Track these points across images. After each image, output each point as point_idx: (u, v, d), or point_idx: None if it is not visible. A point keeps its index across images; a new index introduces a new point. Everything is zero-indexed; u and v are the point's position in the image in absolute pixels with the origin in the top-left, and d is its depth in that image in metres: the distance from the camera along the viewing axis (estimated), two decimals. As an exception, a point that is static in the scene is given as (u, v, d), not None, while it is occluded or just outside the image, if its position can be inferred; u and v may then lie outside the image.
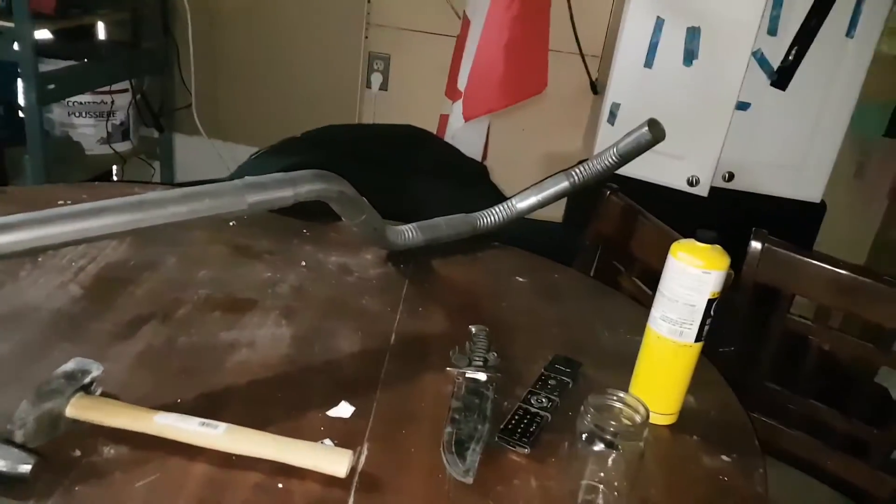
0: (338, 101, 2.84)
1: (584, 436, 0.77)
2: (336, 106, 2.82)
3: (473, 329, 1.01)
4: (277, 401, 0.85)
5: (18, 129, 2.12)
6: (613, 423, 0.77)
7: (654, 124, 1.19)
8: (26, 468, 0.66)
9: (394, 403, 0.88)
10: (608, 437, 0.76)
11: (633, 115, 1.71)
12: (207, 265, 1.13)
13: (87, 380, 0.78)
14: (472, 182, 1.77)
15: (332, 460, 0.74)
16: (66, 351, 0.85)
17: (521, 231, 1.37)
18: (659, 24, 2.01)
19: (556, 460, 0.82)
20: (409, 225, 1.24)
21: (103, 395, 0.79)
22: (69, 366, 0.79)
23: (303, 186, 0.91)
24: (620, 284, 1.41)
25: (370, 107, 2.86)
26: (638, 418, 0.78)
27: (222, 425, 0.76)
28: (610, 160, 1.22)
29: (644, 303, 1.18)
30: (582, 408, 0.78)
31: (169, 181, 2.98)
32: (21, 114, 2.16)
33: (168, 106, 2.91)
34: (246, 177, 0.87)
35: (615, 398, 0.80)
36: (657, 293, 0.88)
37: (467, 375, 0.92)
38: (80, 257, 1.08)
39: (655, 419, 0.86)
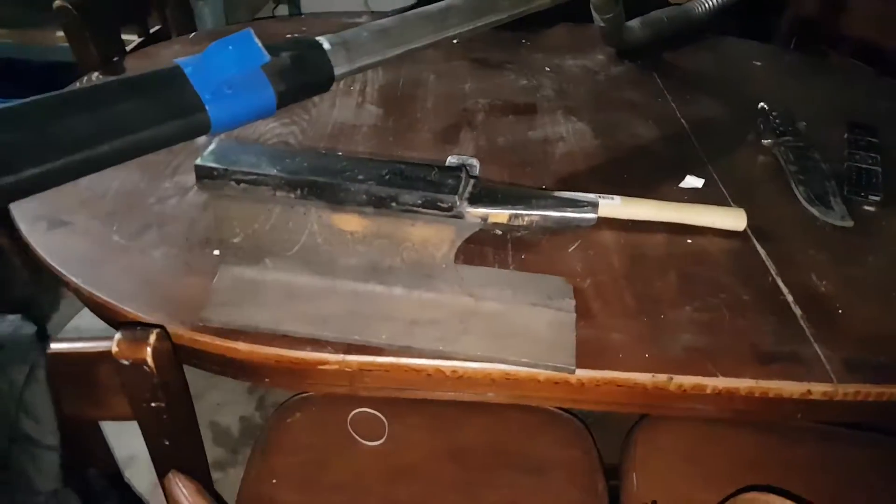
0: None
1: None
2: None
3: (765, 105, 1.03)
4: (623, 180, 0.89)
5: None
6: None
7: None
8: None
9: (731, 173, 0.91)
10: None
11: None
12: (465, 79, 1.13)
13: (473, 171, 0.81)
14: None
15: (732, 216, 0.79)
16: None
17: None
18: None
19: (909, 203, 0.86)
20: (635, 20, 1.24)
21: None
22: (453, 160, 0.82)
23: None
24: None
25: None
26: None
27: (617, 197, 0.80)
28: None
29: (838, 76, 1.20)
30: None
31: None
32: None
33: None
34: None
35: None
36: None
37: (788, 144, 0.95)
38: (353, 82, 1.08)
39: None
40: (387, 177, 0.58)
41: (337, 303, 0.63)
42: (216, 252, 0.71)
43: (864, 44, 1.40)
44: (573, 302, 0.65)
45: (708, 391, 0.62)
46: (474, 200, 0.57)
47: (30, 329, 0.51)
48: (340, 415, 0.78)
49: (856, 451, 0.83)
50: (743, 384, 0.62)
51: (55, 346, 0.52)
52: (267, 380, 0.67)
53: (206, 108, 0.67)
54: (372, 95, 1.06)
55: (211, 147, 0.61)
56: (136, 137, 0.66)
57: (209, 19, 1.65)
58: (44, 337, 0.52)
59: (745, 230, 0.79)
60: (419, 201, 0.56)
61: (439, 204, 0.56)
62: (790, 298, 0.71)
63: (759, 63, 1.25)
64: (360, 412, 0.78)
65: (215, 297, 0.64)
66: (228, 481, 1.21)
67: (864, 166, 0.92)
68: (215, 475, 1.22)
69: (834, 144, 0.97)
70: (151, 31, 1.35)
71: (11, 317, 0.54)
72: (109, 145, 0.65)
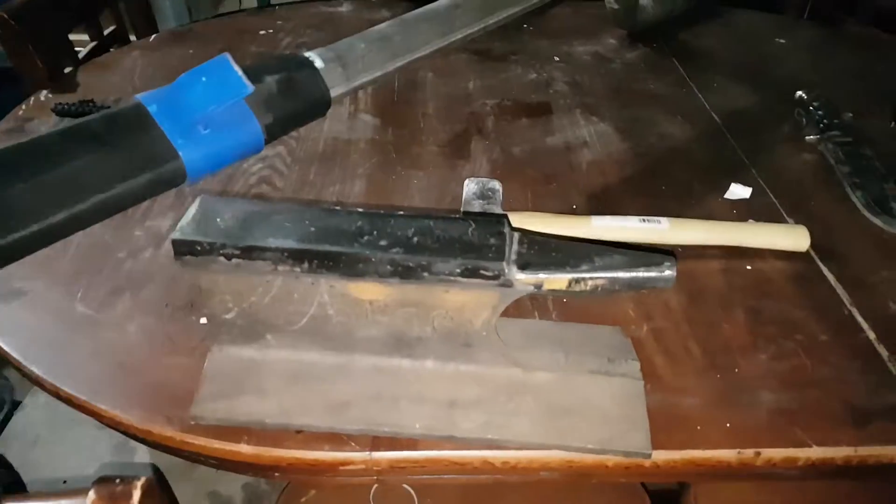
0: None
1: None
2: None
3: (803, 94, 0.93)
4: (661, 193, 0.79)
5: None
6: None
7: None
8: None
9: (778, 178, 0.81)
10: None
11: None
12: (466, 76, 1.02)
13: (496, 197, 0.70)
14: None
15: (793, 235, 0.69)
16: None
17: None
18: None
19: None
20: (646, -1, 1.12)
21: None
22: (472, 187, 0.71)
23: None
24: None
25: None
26: None
27: (664, 219, 0.69)
28: None
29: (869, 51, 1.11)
30: None
31: None
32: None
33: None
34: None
35: None
36: None
37: (836, 140, 0.85)
38: (341, 85, 0.96)
39: None
40: (414, 240, 0.46)
41: (356, 383, 0.53)
42: (203, 320, 0.59)
43: (885, 9, 1.30)
44: (638, 364, 0.55)
45: (800, 463, 0.53)
46: (524, 265, 0.46)
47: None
48: (362, 490, 0.68)
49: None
50: (839, 453, 0.52)
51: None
52: (277, 474, 0.56)
53: (180, 154, 0.55)
54: (366, 102, 0.94)
55: (191, 212, 0.49)
56: (98, 199, 0.54)
57: (170, 14, 1.50)
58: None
59: (808, 250, 0.70)
60: (458, 270, 0.45)
61: (482, 273, 0.46)
62: (872, 336, 0.61)
63: (782, 40, 1.15)
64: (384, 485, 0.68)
65: (207, 388, 0.53)
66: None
67: (922, 161, 0.82)
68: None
69: (884, 137, 0.88)
70: (106, 32, 1.21)
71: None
72: (66, 212, 0.53)
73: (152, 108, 0.55)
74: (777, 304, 0.64)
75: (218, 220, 0.48)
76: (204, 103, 0.55)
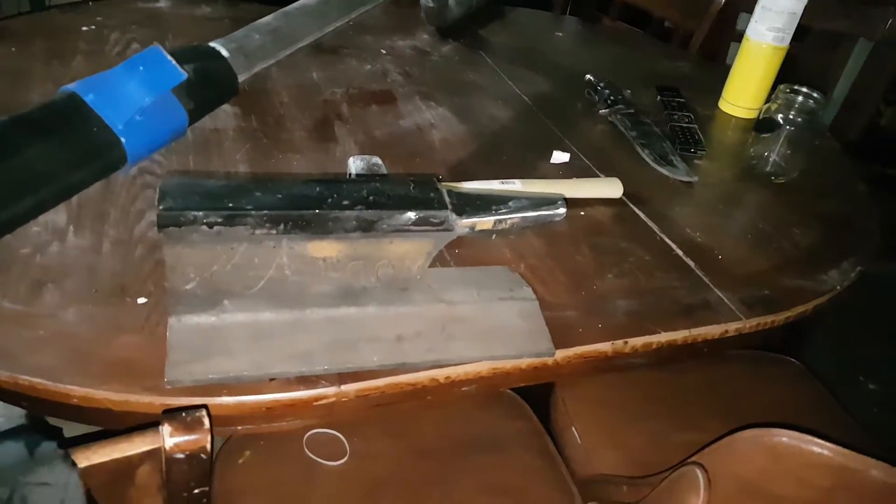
0: None
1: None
2: None
3: (591, 77, 1.14)
4: (503, 162, 0.94)
5: None
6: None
7: None
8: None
9: (585, 144, 1.01)
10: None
11: None
12: (307, 67, 1.09)
13: (381, 170, 0.81)
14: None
15: (610, 186, 0.89)
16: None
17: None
18: None
19: (728, 153, 1.04)
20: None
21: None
22: (358, 163, 0.80)
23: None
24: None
25: None
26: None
27: (517, 181, 0.85)
28: None
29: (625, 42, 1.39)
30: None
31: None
32: None
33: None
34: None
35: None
36: (760, 8, 1.08)
37: (622, 112, 1.07)
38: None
39: (746, 113, 1.11)
40: (370, 199, 0.56)
41: (314, 335, 0.60)
42: (141, 300, 0.63)
43: (627, 6, 1.60)
44: (531, 289, 0.70)
45: (654, 346, 0.71)
46: (461, 212, 0.58)
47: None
48: (294, 442, 0.75)
49: (738, 367, 1.00)
50: (679, 335, 0.72)
51: (86, 460, 0.43)
52: (247, 426, 0.62)
53: (122, 141, 0.59)
54: (221, 95, 0.98)
55: (162, 189, 0.53)
56: (53, 188, 0.56)
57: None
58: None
59: (621, 197, 0.90)
60: (412, 220, 0.56)
61: (432, 220, 0.56)
62: (680, 252, 0.82)
63: (560, 34, 1.38)
64: (313, 434, 0.75)
65: (175, 355, 0.57)
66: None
67: (683, 125, 1.07)
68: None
69: (654, 108, 1.12)
70: None
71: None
72: (28, 201, 0.55)
73: (89, 98, 0.58)
74: (610, 239, 0.83)
75: (191, 195, 0.53)
76: (143, 92, 0.59)
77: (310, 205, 0.54)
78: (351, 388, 0.60)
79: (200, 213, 0.51)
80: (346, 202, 0.55)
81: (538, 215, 0.59)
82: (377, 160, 0.81)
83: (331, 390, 0.59)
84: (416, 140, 0.95)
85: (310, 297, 0.61)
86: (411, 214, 0.55)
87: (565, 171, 0.94)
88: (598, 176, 0.94)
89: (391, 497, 0.74)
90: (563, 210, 0.60)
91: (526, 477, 0.78)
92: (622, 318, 0.71)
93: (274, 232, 0.54)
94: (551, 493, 0.78)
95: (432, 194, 0.58)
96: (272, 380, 0.58)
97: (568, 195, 0.86)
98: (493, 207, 0.58)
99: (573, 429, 0.85)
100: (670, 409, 0.89)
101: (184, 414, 0.45)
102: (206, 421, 0.45)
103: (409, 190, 0.58)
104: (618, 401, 0.90)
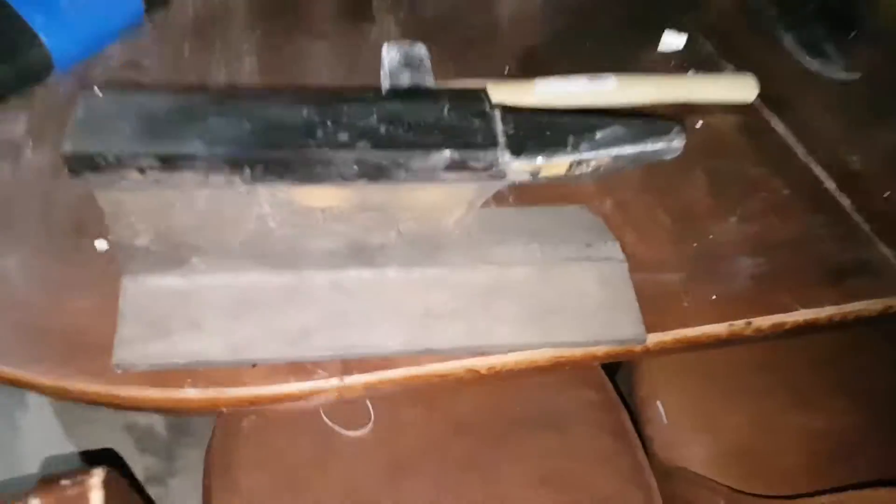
0: None
1: None
2: None
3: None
4: (594, 52, 0.71)
5: None
6: None
7: None
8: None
9: (706, 22, 0.76)
10: None
11: None
12: None
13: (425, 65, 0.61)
14: None
15: (740, 86, 0.66)
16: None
17: None
18: None
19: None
20: None
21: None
22: (394, 55, 0.61)
23: None
24: None
25: None
26: None
27: (610, 76, 0.63)
28: None
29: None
30: None
31: None
32: None
33: None
34: None
35: None
36: None
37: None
38: None
39: None
40: (382, 129, 0.37)
41: (314, 305, 0.45)
42: (100, 245, 0.48)
43: None
44: (618, 244, 0.50)
45: (787, 327, 0.51)
46: (519, 149, 0.38)
47: None
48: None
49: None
50: (823, 314, 0.52)
51: None
52: (225, 410, 0.48)
53: (42, 38, 0.42)
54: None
55: (78, 114, 0.36)
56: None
57: None
58: None
59: (754, 101, 0.66)
60: (442, 165, 0.37)
61: (472, 163, 0.38)
62: (832, 186, 0.60)
63: None
64: (335, 400, 0.61)
65: (128, 329, 0.43)
66: (174, 496, 1.00)
67: (844, -3, 0.80)
68: (154, 491, 1.01)
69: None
70: None
71: None
72: None
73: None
74: (735, 164, 0.61)
75: (120, 122, 0.36)
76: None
77: (290, 140, 0.36)
78: (357, 380, 0.44)
79: (126, 154, 0.35)
80: (343, 136, 0.37)
81: (639, 152, 0.39)
82: (421, 49, 0.61)
83: (331, 382, 0.44)
84: (476, 21, 0.74)
85: (307, 256, 0.45)
86: (442, 155, 0.37)
87: (678, 63, 0.71)
88: (725, 70, 0.70)
89: (415, 481, 0.60)
90: (678, 143, 0.40)
91: (591, 464, 0.62)
92: (746, 285, 0.52)
93: (237, 179, 0.37)
94: (623, 486, 0.62)
95: (477, 122, 0.38)
96: (254, 366, 0.43)
97: (682, 99, 0.65)
98: (570, 141, 0.38)
99: (658, 403, 0.67)
100: (783, 381, 0.70)
101: (63, 482, 0.31)
102: (96, 496, 0.31)
103: (442, 112, 0.39)
104: (716, 368, 0.71)
